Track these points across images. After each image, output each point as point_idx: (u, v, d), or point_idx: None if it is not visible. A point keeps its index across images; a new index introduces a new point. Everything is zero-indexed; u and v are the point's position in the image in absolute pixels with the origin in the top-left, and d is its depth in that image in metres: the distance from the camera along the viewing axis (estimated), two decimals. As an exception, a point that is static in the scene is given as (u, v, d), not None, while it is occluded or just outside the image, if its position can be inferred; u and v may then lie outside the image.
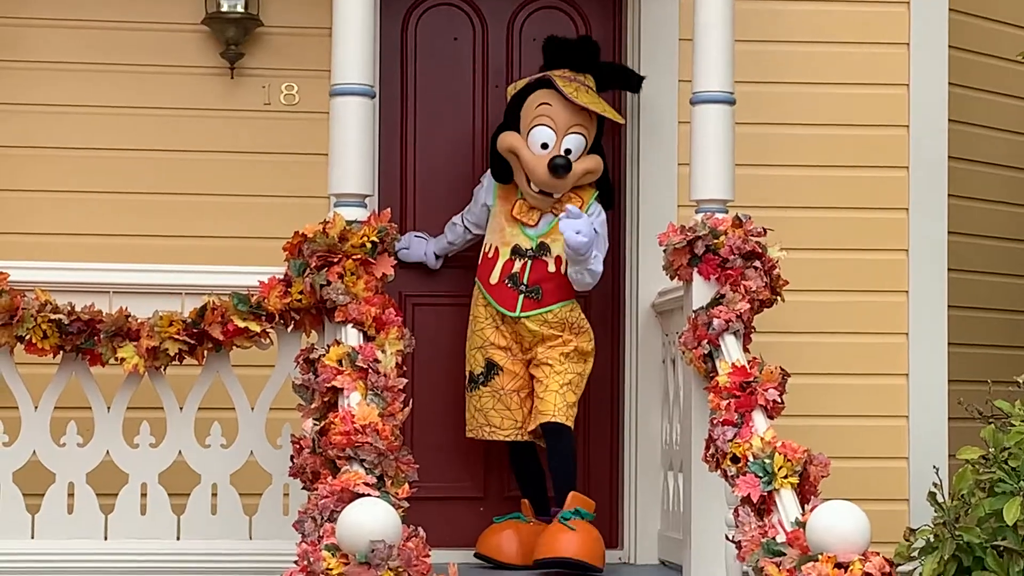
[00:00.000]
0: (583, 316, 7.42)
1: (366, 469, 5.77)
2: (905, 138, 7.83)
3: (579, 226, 7.04)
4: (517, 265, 7.36)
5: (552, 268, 7.34)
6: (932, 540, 6.76)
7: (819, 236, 7.75)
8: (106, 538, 6.55)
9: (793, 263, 7.00)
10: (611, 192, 7.54)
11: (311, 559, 5.25)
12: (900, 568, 6.75)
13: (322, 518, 5.56)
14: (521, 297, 7.34)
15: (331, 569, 5.18)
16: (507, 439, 7.39)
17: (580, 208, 7.25)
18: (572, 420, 7.29)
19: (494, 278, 7.38)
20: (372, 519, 5.25)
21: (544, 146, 7.35)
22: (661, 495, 7.50)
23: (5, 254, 7.14)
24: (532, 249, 7.36)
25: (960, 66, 8.06)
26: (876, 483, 7.64)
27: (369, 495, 5.55)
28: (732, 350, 6.48)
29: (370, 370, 6.13)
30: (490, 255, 7.43)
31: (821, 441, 7.03)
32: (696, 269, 6.74)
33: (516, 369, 7.39)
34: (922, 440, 7.72)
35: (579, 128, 7.40)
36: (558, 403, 7.25)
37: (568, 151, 7.36)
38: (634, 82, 7.60)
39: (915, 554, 6.87)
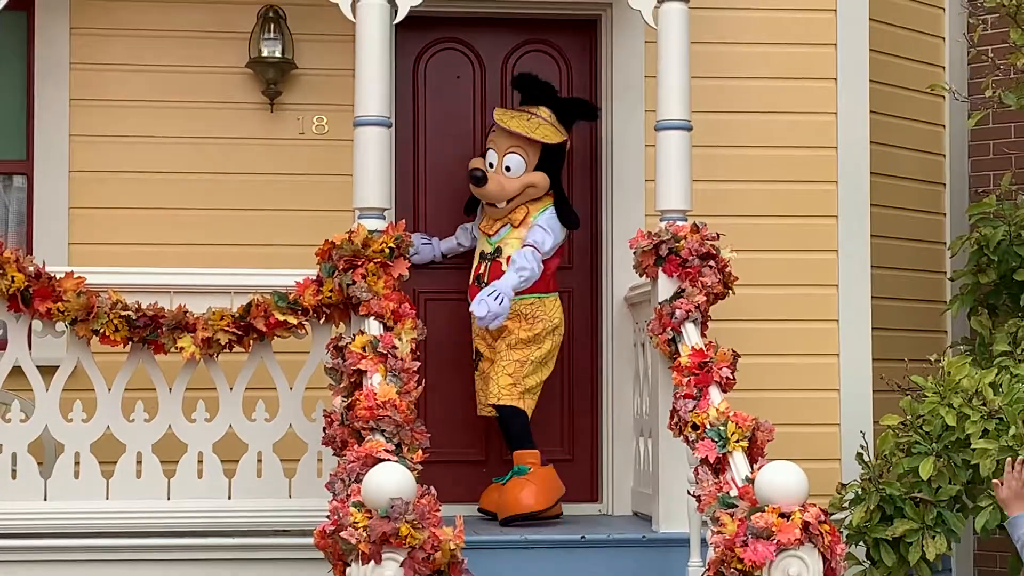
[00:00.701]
0: (544, 307, 7.26)
1: (386, 438, 5.72)
2: (834, 157, 7.77)
3: (484, 305, 7.01)
4: (483, 268, 7.33)
5: (505, 268, 7.24)
6: (860, 493, 6.76)
7: (764, 239, 7.68)
8: (169, 498, 6.51)
9: (743, 262, 6.96)
10: (569, 211, 7.40)
11: (341, 514, 5.21)
12: (833, 516, 6.74)
13: (349, 479, 5.50)
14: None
15: (357, 522, 5.13)
16: (482, 413, 7.42)
17: (526, 217, 7.30)
18: (510, 398, 7.18)
19: (471, 279, 7.40)
20: (391, 480, 5.20)
21: (491, 165, 7.35)
22: (634, 457, 7.45)
23: (86, 261, 7.16)
24: (490, 253, 7.33)
25: (879, 97, 8.00)
26: (813, 445, 7.55)
27: (389, 460, 5.51)
28: (692, 335, 6.44)
29: (389, 355, 6.08)
30: (473, 261, 7.46)
31: (767, 411, 6.90)
32: (661, 268, 6.70)
33: (492, 356, 7.34)
34: (851, 409, 7.65)
35: (516, 149, 7.32)
36: (493, 389, 7.19)
37: (508, 168, 7.31)
38: (590, 112, 7.52)
39: (846, 504, 6.87)
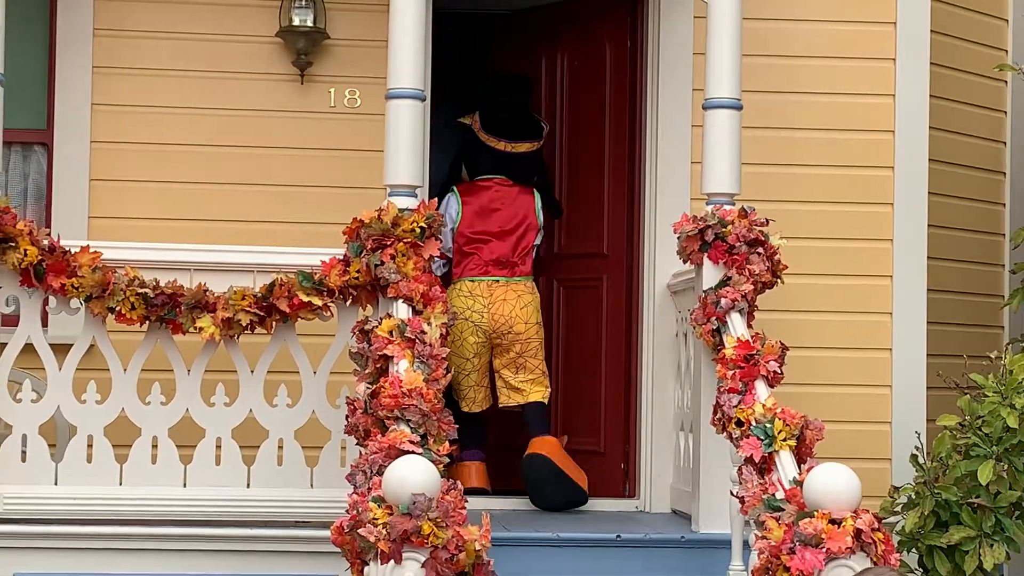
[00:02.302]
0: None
1: (411, 428, 5.39)
2: (891, 142, 7.41)
3: None
4: None
5: None
6: (914, 497, 6.39)
7: (816, 227, 7.33)
8: (185, 485, 6.20)
9: (794, 250, 6.67)
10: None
11: (360, 509, 4.87)
12: (884, 520, 6.38)
13: (371, 472, 5.18)
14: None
15: (377, 519, 4.79)
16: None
17: None
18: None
19: None
20: (414, 474, 4.87)
21: None
22: (674, 452, 7.09)
23: (106, 235, 6.89)
24: None
25: (938, 80, 7.65)
26: (862, 444, 7.23)
27: (413, 452, 5.17)
28: (737, 326, 6.09)
29: (417, 340, 5.75)
30: None
31: (816, 407, 6.77)
32: (706, 254, 6.34)
33: None
34: (903, 407, 7.30)
35: None
36: None
37: None
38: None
39: (897, 509, 6.50)
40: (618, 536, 6.32)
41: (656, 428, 7.22)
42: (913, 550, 6.39)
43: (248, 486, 6.21)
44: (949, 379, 6.77)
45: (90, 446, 6.16)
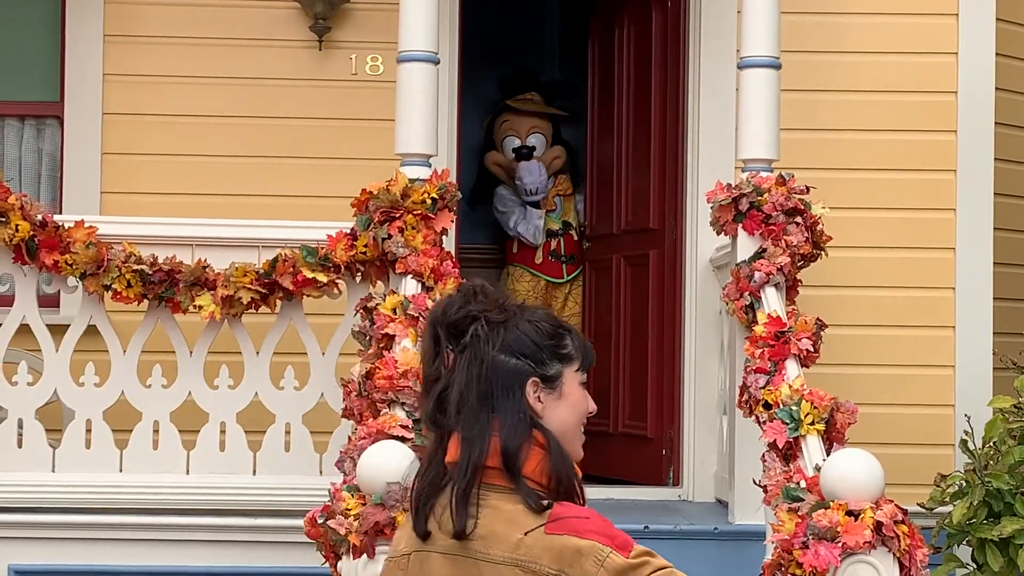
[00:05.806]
0: None
1: (406, 412, 5.04)
2: (954, 104, 6.92)
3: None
4: (555, 243, 7.88)
5: (576, 237, 7.90)
6: (963, 485, 5.91)
7: (867, 196, 6.85)
8: (188, 472, 5.92)
9: (846, 221, 6.32)
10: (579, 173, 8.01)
11: (334, 499, 4.53)
12: (935, 511, 5.92)
13: (359, 458, 4.82)
14: (564, 265, 7.83)
15: (349, 509, 4.45)
16: None
17: (571, 195, 8.03)
18: None
19: (542, 257, 7.85)
20: (390, 461, 4.54)
21: (514, 150, 8.03)
22: (717, 438, 6.67)
23: (119, 211, 6.63)
24: (560, 229, 7.91)
25: (1006, 37, 7.13)
26: (923, 429, 6.75)
27: (404, 438, 4.83)
28: (772, 301, 5.65)
29: (421, 318, 5.39)
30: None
31: (872, 389, 6.51)
32: (741, 225, 5.91)
33: None
34: (967, 389, 6.80)
35: (536, 129, 8.06)
36: None
37: (533, 147, 8.02)
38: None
39: (947, 499, 6.01)
40: (646, 527, 5.93)
41: (699, 411, 6.81)
42: (965, 543, 5.92)
43: (254, 473, 5.92)
44: (1006, 357, 6.28)
45: (89, 431, 5.90)
